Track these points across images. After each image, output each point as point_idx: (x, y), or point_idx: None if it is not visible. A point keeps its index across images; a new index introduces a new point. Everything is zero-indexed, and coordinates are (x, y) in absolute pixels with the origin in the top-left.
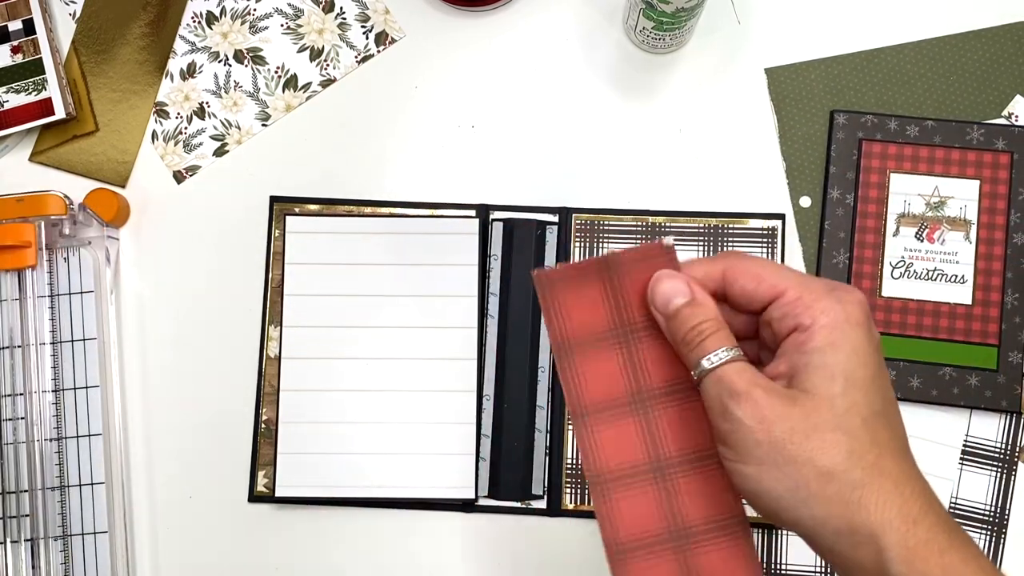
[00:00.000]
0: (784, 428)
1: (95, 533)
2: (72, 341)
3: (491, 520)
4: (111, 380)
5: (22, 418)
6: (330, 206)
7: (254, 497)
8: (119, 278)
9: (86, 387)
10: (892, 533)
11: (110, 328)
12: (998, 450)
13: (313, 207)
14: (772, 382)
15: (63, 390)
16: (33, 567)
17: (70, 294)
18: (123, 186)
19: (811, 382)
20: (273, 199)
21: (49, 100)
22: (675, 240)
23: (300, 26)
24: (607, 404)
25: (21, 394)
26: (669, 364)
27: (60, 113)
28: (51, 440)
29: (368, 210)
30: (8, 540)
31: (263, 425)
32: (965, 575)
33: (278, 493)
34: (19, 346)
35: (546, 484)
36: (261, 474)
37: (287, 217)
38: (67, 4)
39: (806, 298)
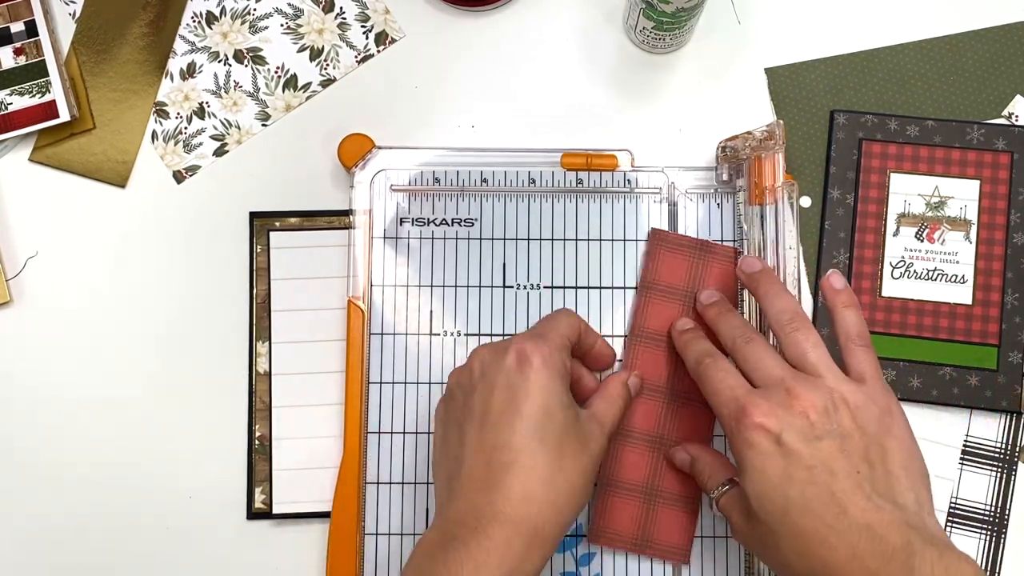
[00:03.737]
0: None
1: None
2: None
3: None
4: None
5: None
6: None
7: (253, 514)
8: None
9: None
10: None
11: None
12: (998, 450)
13: (293, 220)
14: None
15: None
16: None
17: None
18: (123, 186)
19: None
20: (253, 215)
21: (53, 103)
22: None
23: (300, 26)
24: (654, 335)
25: None
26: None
27: (64, 116)
28: None
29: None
30: None
31: (257, 441)
32: None
33: (275, 510)
34: None
35: None
36: (258, 491)
37: (270, 231)
38: (67, 4)
39: None
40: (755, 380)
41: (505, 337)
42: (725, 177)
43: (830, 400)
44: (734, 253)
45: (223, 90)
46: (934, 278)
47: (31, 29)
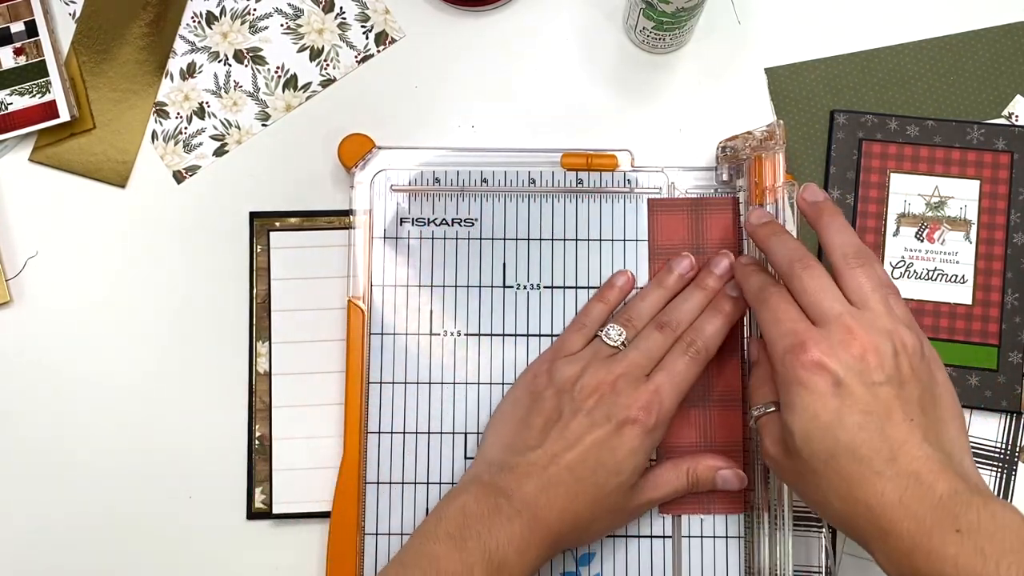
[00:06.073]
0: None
1: None
2: None
3: None
4: None
5: None
6: (311, 218)
7: (253, 514)
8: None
9: None
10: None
11: None
12: (998, 450)
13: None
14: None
15: None
16: None
17: None
18: (123, 186)
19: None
20: (253, 215)
21: (53, 103)
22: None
23: (300, 26)
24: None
25: None
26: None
27: (64, 116)
28: None
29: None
30: None
31: (257, 441)
32: None
33: (275, 510)
34: None
35: None
36: (258, 491)
37: (270, 232)
38: (67, 4)
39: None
40: (811, 313)
41: (505, 337)
42: (725, 177)
43: (890, 344)
44: (732, 203)
45: (223, 90)
46: (934, 278)
47: (31, 29)
